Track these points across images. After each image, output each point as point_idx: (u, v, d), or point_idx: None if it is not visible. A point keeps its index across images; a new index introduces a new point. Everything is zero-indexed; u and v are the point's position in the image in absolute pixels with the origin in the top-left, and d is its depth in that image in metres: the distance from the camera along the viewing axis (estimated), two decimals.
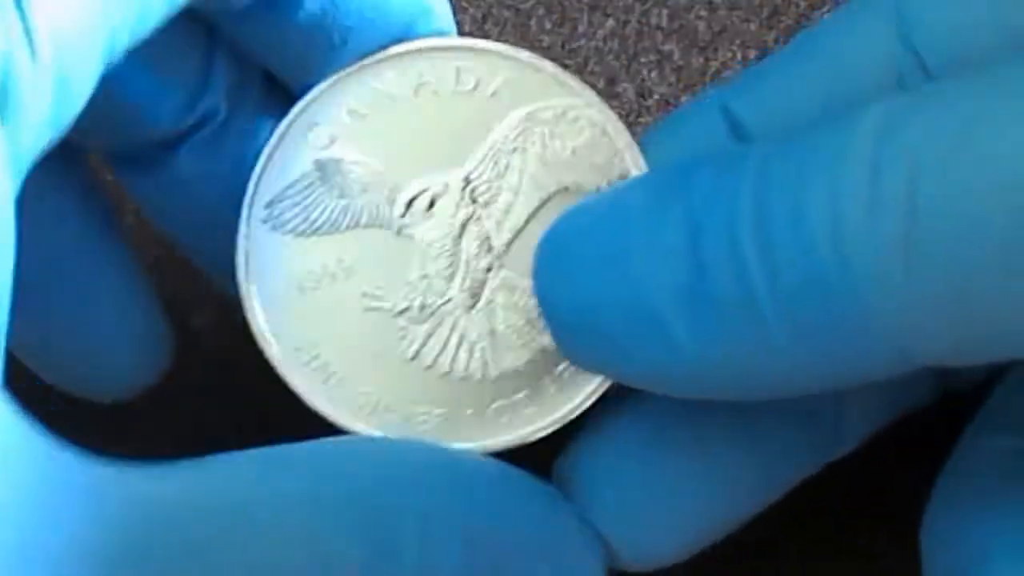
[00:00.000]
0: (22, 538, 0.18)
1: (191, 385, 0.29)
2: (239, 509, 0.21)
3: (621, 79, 0.32)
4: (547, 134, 0.25)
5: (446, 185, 0.25)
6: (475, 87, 0.25)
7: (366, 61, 0.24)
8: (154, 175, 0.26)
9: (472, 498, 0.24)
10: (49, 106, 0.19)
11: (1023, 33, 0.23)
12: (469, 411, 0.25)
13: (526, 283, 0.25)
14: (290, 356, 0.25)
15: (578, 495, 0.25)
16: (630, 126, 0.29)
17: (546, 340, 0.25)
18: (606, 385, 0.25)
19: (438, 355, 0.25)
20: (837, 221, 0.20)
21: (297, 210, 0.25)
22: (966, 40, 0.24)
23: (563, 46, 0.32)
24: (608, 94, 0.31)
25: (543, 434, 0.25)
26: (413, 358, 0.25)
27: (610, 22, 0.32)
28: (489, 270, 0.25)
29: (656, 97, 0.32)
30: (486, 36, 0.32)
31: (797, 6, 0.32)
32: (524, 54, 0.25)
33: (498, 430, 0.25)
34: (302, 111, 0.25)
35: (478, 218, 0.25)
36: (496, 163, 0.25)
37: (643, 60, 0.32)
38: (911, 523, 0.26)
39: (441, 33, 0.25)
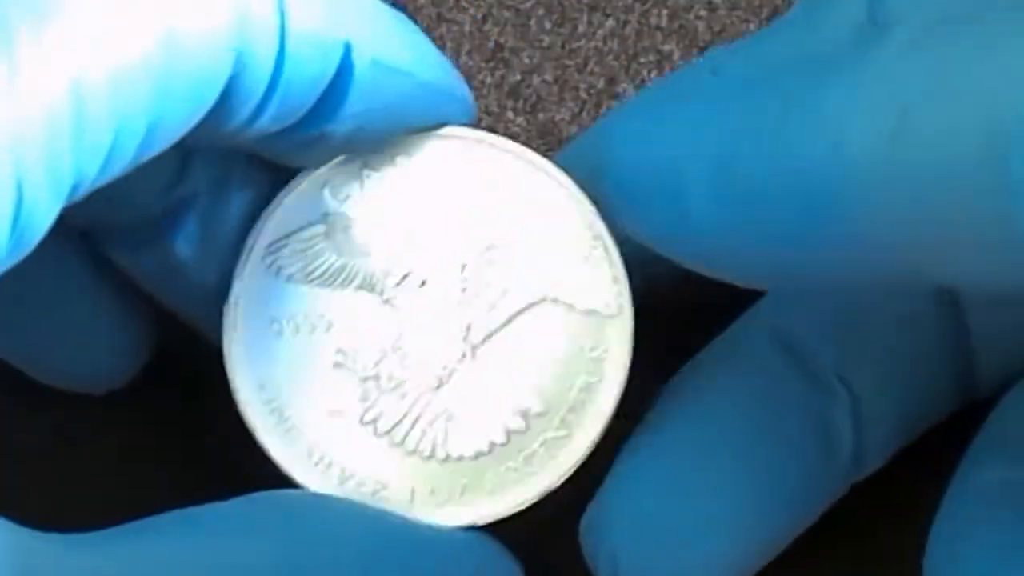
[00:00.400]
0: None
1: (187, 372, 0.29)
2: None
3: (621, 79, 0.32)
4: (545, 239, 0.26)
5: (441, 268, 0.26)
6: (493, 182, 0.26)
7: (391, 138, 0.25)
8: (148, 256, 0.26)
9: (403, 552, 0.25)
10: (6, 240, 0.20)
11: None
12: (409, 485, 0.26)
13: (494, 380, 0.26)
14: (253, 394, 0.25)
15: (608, 543, 0.25)
16: None
17: (496, 437, 0.26)
18: (533, 499, 0.25)
19: (393, 426, 0.26)
20: (842, 108, 0.21)
21: (296, 257, 0.26)
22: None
23: (563, 46, 0.32)
24: (608, 94, 0.31)
25: (475, 523, 0.26)
26: (368, 423, 0.26)
27: (610, 22, 0.32)
28: (462, 358, 0.26)
29: None
30: (485, 37, 0.32)
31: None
32: (549, 165, 0.25)
33: (431, 509, 0.26)
34: (325, 169, 0.25)
35: (463, 307, 0.26)
36: (492, 259, 0.26)
37: (643, 60, 0.32)
38: (915, 520, 0.26)
39: (464, 121, 0.26)
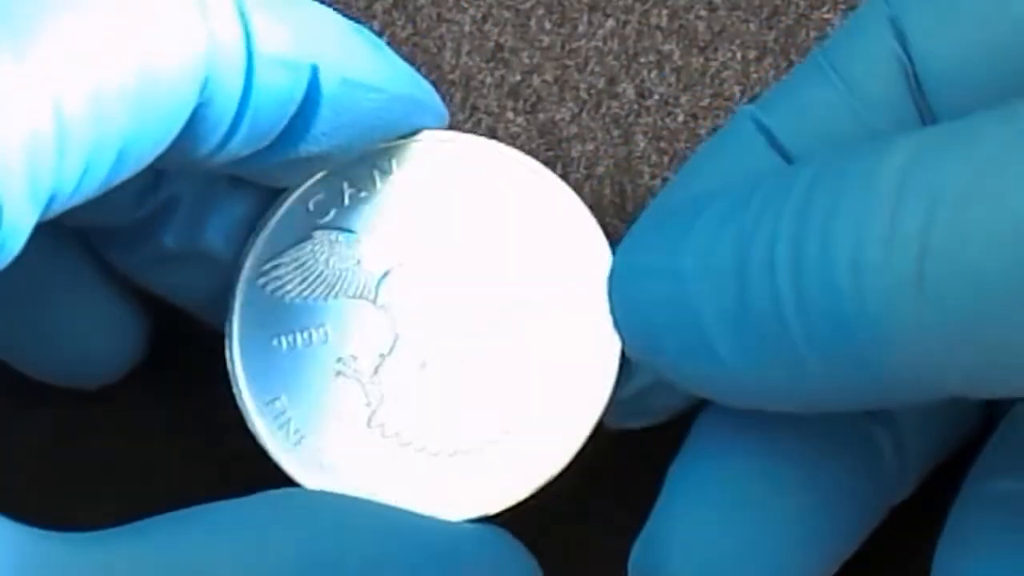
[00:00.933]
0: None
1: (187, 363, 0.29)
2: None
3: (621, 79, 0.32)
4: (530, 233, 0.26)
5: (428, 269, 0.26)
6: (472, 181, 0.27)
7: (369, 150, 0.26)
8: (138, 252, 0.27)
9: (410, 547, 0.25)
10: None
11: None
12: (418, 482, 0.26)
13: (491, 373, 0.26)
14: (259, 406, 0.26)
15: (666, 571, 0.25)
16: (630, 126, 0.31)
17: (498, 431, 0.26)
18: (536, 487, 0.26)
19: (397, 427, 0.26)
20: (857, 253, 0.21)
21: (288, 274, 0.26)
22: (964, 71, 0.25)
23: (563, 46, 0.32)
24: (608, 94, 0.32)
25: (486, 514, 0.26)
26: (375, 426, 0.26)
27: (610, 22, 0.32)
28: (457, 354, 0.26)
29: (656, 97, 0.32)
30: (485, 38, 0.32)
31: (797, 6, 0.32)
32: (525, 158, 0.26)
33: (441, 504, 0.26)
34: (308, 186, 0.26)
35: (454, 304, 0.26)
36: (480, 257, 0.26)
37: (643, 60, 0.32)
38: (925, 529, 0.26)
39: (436, 126, 0.27)
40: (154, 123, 0.22)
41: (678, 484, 0.26)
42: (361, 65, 0.25)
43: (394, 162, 0.27)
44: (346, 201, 0.27)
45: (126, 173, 0.22)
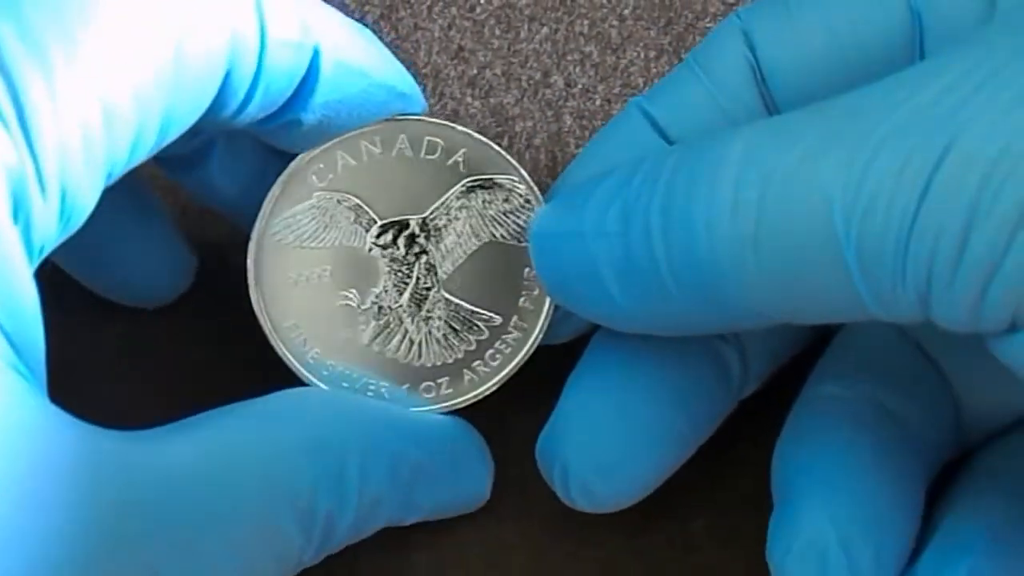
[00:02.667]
0: (33, 505, 0.20)
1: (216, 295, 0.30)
2: (225, 467, 0.23)
3: (553, 72, 0.33)
4: (487, 198, 0.27)
5: (408, 224, 0.27)
6: (440, 155, 0.27)
7: (362, 129, 0.27)
8: (193, 174, 0.28)
9: (396, 434, 0.26)
10: (56, 220, 0.21)
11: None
12: (405, 386, 0.28)
13: (458, 303, 0.28)
14: (280, 331, 0.27)
15: (560, 462, 0.26)
16: (560, 108, 0.33)
17: (468, 347, 0.28)
18: (497, 385, 0.27)
19: (386, 343, 0.28)
20: (711, 220, 0.22)
21: (299, 228, 0.27)
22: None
23: (509, 47, 0.34)
24: (544, 84, 0.33)
25: (454, 408, 0.28)
26: (368, 344, 0.28)
27: (544, 29, 0.34)
28: (430, 289, 0.28)
29: (579, 86, 0.33)
30: (450, 41, 0.33)
31: (686, 17, 0.34)
32: (480, 137, 0.27)
33: (424, 402, 0.28)
34: (310, 157, 0.27)
35: (428, 251, 0.27)
36: (447, 213, 0.27)
37: (569, 58, 0.34)
38: (768, 438, 0.28)
39: (415, 112, 0.27)
40: (187, 101, 0.22)
41: (572, 390, 0.27)
42: (354, 52, 0.25)
43: (378, 139, 0.27)
44: (340, 170, 0.27)
45: (168, 141, 0.23)
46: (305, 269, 0.27)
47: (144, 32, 0.21)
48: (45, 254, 0.21)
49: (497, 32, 0.34)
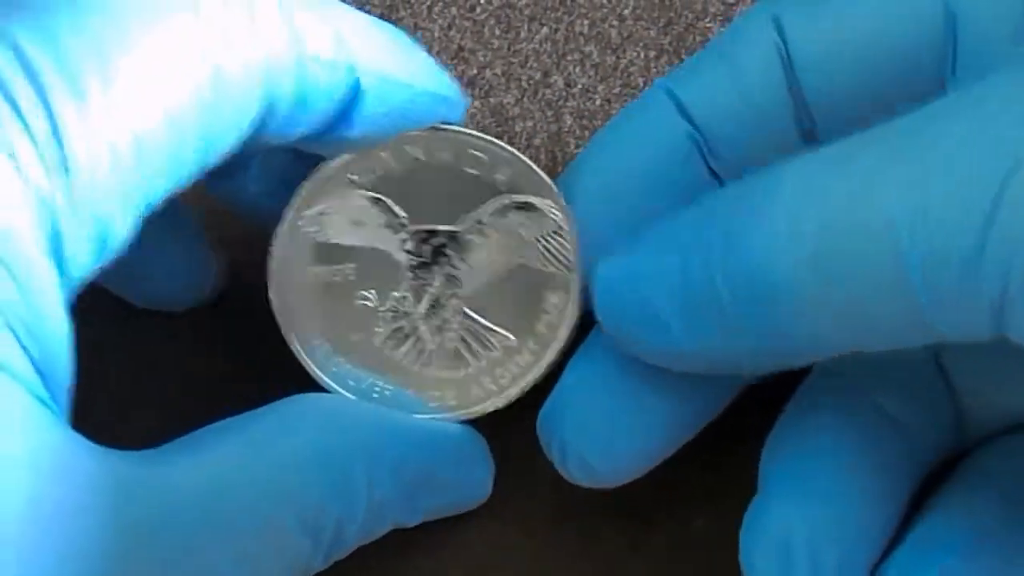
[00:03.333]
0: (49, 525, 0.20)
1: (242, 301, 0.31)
2: (236, 483, 0.23)
3: (553, 73, 0.34)
4: (522, 220, 0.27)
5: (438, 234, 0.27)
6: (480, 169, 0.27)
7: (405, 134, 0.26)
8: (229, 185, 0.28)
9: (401, 440, 0.27)
10: (89, 249, 0.21)
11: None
12: (411, 391, 0.28)
13: (476, 318, 0.28)
14: (294, 325, 0.28)
15: (559, 436, 0.26)
16: (559, 108, 0.33)
17: (479, 362, 0.28)
18: (504, 405, 0.27)
19: (398, 348, 0.28)
20: (769, 252, 0.22)
21: (328, 224, 0.27)
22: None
23: (509, 48, 0.34)
24: (543, 84, 0.33)
25: (456, 419, 0.28)
26: (380, 346, 0.28)
27: (544, 29, 0.34)
28: (450, 300, 0.28)
29: (579, 86, 0.33)
30: (450, 41, 0.34)
31: (686, 17, 0.34)
32: (523, 158, 0.27)
33: (428, 410, 0.28)
34: (350, 158, 0.27)
35: (455, 263, 0.27)
36: (479, 229, 0.27)
37: (569, 58, 0.34)
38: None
39: (458, 114, 0.27)
40: (227, 125, 0.22)
41: (574, 366, 0.27)
42: (395, 63, 0.25)
43: (422, 146, 0.27)
44: (379, 172, 0.27)
45: (212, 164, 0.23)
46: (329, 265, 0.27)
47: (180, 58, 0.21)
48: (79, 283, 0.22)
49: (497, 32, 0.34)
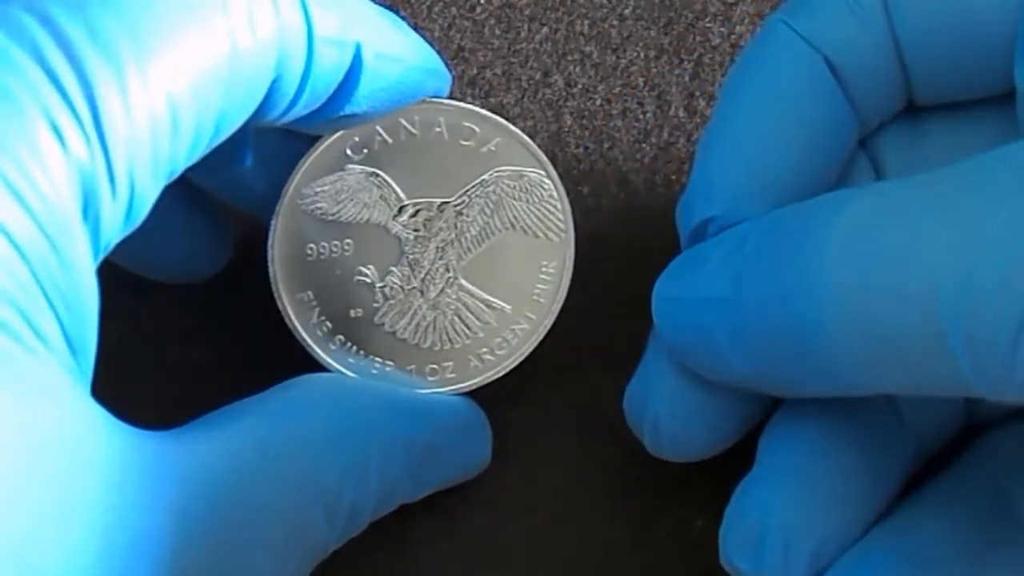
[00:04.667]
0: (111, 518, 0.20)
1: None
2: (257, 467, 0.23)
3: (553, 72, 0.34)
4: (513, 187, 0.28)
5: (433, 207, 0.28)
6: (473, 141, 0.28)
7: (403, 109, 0.27)
8: (222, 174, 0.28)
9: (409, 417, 0.27)
10: (122, 217, 0.21)
11: None
12: (411, 367, 0.28)
13: (472, 289, 0.28)
14: (293, 302, 0.28)
15: (652, 410, 0.26)
16: (560, 108, 0.33)
17: (476, 333, 0.28)
18: (503, 373, 0.28)
19: (396, 323, 0.28)
20: (816, 299, 0.22)
21: (325, 199, 0.28)
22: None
23: (509, 47, 0.34)
24: (544, 84, 0.33)
25: (457, 392, 0.28)
26: (379, 322, 0.28)
27: (544, 29, 0.34)
28: (445, 273, 0.28)
29: (579, 86, 0.33)
30: (450, 41, 0.34)
31: (686, 17, 0.34)
32: (513, 128, 0.28)
33: (427, 384, 0.28)
34: (346, 134, 0.27)
35: (449, 235, 0.28)
36: (473, 200, 0.28)
37: (570, 58, 0.34)
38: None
39: (445, 88, 0.28)
40: (241, 101, 0.22)
41: (652, 354, 0.27)
42: (390, 41, 0.25)
43: (417, 119, 0.27)
44: (375, 147, 0.28)
45: (219, 140, 0.23)
46: (327, 241, 0.28)
47: (201, 29, 0.21)
48: (107, 251, 0.22)
49: (497, 32, 0.34)
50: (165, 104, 0.21)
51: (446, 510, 0.30)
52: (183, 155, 0.22)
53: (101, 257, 0.22)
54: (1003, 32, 0.25)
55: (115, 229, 0.21)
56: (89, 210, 0.21)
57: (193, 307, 0.31)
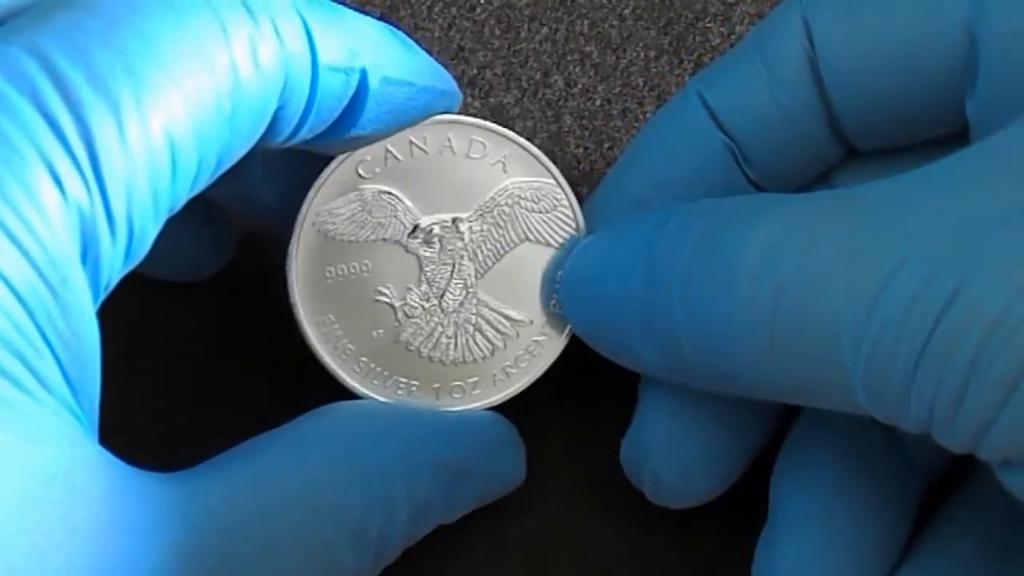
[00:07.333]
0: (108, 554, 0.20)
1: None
2: (276, 503, 0.23)
3: (553, 72, 0.34)
4: (525, 199, 0.28)
5: (448, 223, 0.28)
6: (483, 156, 0.28)
7: (411, 127, 0.27)
8: (232, 187, 0.27)
9: (435, 438, 0.27)
10: (122, 257, 0.22)
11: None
12: (435, 385, 0.28)
13: (491, 303, 0.28)
14: (314, 325, 0.28)
15: (650, 464, 0.27)
16: (559, 108, 0.33)
17: (497, 347, 0.28)
18: (524, 387, 0.28)
19: (419, 342, 0.28)
20: (728, 314, 0.23)
21: (341, 220, 0.28)
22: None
23: (509, 48, 0.34)
24: (543, 84, 0.34)
25: (482, 408, 0.28)
26: (401, 341, 0.28)
27: (544, 29, 0.34)
28: (464, 287, 0.28)
29: (579, 86, 0.34)
30: (450, 41, 0.34)
31: (686, 17, 0.34)
32: (522, 140, 0.28)
33: (453, 402, 0.28)
34: (358, 154, 0.27)
35: (466, 250, 0.28)
36: (485, 214, 0.28)
37: (569, 58, 0.34)
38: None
39: (454, 105, 0.28)
40: (243, 133, 0.23)
41: (649, 398, 0.27)
42: (397, 64, 0.25)
43: (426, 137, 0.28)
44: (387, 165, 0.28)
45: (226, 167, 0.23)
46: (345, 263, 0.28)
47: (203, 62, 0.21)
48: (108, 291, 0.22)
49: (497, 32, 0.34)
50: (164, 143, 0.21)
51: None
52: (184, 191, 0.22)
53: (103, 296, 0.22)
54: (946, 72, 0.25)
55: (115, 269, 0.21)
56: (88, 253, 0.21)
57: (193, 308, 0.31)
